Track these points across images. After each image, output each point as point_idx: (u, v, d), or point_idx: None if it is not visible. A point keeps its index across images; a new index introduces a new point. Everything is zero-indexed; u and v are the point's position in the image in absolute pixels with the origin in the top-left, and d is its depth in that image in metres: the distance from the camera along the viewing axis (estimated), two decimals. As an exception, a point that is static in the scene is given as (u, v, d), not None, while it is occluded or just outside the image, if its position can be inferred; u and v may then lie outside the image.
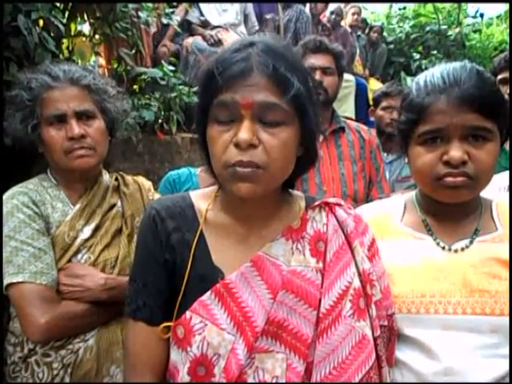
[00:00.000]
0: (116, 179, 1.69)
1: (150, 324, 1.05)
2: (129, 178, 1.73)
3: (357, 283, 1.06)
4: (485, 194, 1.27)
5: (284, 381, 0.99)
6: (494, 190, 1.59)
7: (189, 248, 1.05)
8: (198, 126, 1.04)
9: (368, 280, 1.08)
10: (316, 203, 1.12)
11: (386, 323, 1.11)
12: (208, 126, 0.99)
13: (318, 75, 2.44)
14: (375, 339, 1.06)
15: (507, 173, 1.70)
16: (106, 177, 1.67)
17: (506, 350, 1.09)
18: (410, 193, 1.36)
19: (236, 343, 0.98)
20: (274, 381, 0.99)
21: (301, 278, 1.04)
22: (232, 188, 0.97)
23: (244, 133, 0.93)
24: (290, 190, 1.16)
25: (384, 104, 3.15)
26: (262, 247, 1.05)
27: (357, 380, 1.01)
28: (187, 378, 0.99)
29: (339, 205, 1.14)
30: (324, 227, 1.09)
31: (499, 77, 2.47)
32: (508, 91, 2.35)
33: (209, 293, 1.01)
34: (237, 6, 4.99)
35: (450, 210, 1.22)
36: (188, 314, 1.00)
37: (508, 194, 1.63)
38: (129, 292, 1.09)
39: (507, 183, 1.66)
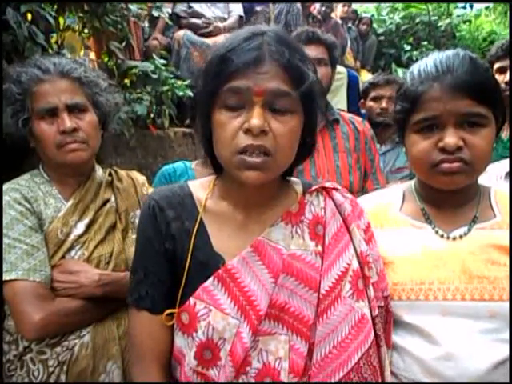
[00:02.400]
0: (109, 174, 1.67)
1: (153, 312, 1.07)
2: (122, 172, 1.71)
3: (355, 265, 1.10)
4: (483, 182, 1.28)
5: (287, 362, 1.02)
6: (491, 179, 1.59)
7: (189, 236, 1.07)
8: (203, 112, 1.03)
9: (365, 262, 1.11)
10: (313, 188, 1.15)
11: (382, 304, 1.14)
12: (215, 112, 1.00)
13: (311, 66, 2.42)
14: (373, 319, 1.09)
15: (504, 161, 1.70)
16: (99, 172, 1.65)
17: (506, 335, 1.10)
18: (408, 182, 1.37)
19: (240, 327, 1.01)
20: (277, 362, 1.02)
21: (301, 262, 1.06)
22: (240, 176, 0.99)
23: (256, 119, 0.94)
24: (287, 177, 1.18)
25: (373, 94, 3.15)
26: (261, 232, 1.08)
27: (356, 358, 1.04)
28: (194, 363, 1.02)
29: (336, 189, 1.17)
30: (322, 211, 1.12)
31: (496, 66, 2.47)
32: (505, 80, 2.35)
33: (211, 279, 1.03)
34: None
35: (449, 198, 1.22)
36: (192, 300, 1.03)
37: (505, 182, 1.63)
38: (131, 282, 1.12)
39: (504, 172, 1.66)
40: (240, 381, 1.01)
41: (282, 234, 1.08)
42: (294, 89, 0.97)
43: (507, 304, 1.10)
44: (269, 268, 1.05)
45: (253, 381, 1.02)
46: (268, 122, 0.96)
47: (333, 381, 1.03)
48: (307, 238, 1.09)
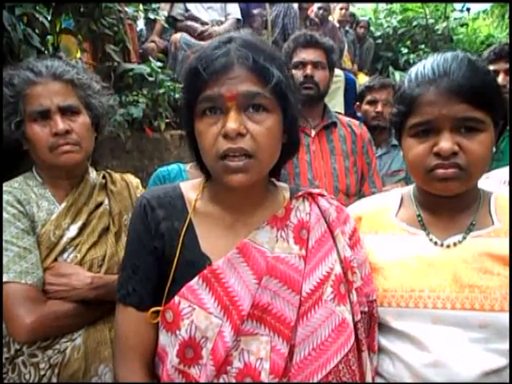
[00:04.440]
0: (103, 177, 1.66)
1: (139, 309, 1.09)
2: (116, 175, 1.71)
3: (338, 269, 1.11)
4: (485, 187, 1.26)
5: (268, 362, 1.03)
6: (494, 184, 1.58)
7: (178, 236, 1.09)
8: (186, 123, 1.09)
9: (349, 267, 1.13)
10: (300, 193, 1.17)
11: (366, 309, 1.14)
12: (195, 121, 1.04)
13: (308, 69, 2.44)
14: (356, 324, 1.10)
15: (507, 167, 1.68)
16: (93, 174, 1.64)
17: (497, 345, 1.08)
18: (408, 186, 1.35)
19: (223, 326, 1.03)
20: (258, 362, 1.03)
21: (284, 264, 1.08)
22: (225, 180, 1.02)
23: (231, 123, 0.98)
24: (275, 182, 1.21)
25: (368, 98, 3.17)
26: (248, 235, 1.10)
27: (335, 361, 1.05)
28: (176, 360, 1.03)
29: (322, 195, 1.19)
30: (307, 216, 1.14)
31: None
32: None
33: (196, 278, 1.05)
34: (221, 3, 4.95)
35: (446, 204, 1.20)
36: (176, 298, 1.04)
37: (507, 187, 1.62)
38: (120, 278, 1.14)
39: (507, 177, 1.65)
40: (221, 380, 1.02)
41: (267, 237, 1.10)
42: (264, 88, 1.00)
43: (499, 314, 1.08)
44: (253, 269, 1.06)
45: (233, 380, 1.02)
46: (244, 124, 0.99)
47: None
48: (291, 241, 1.11)
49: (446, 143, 1.09)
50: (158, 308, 1.07)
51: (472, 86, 1.10)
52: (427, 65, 1.16)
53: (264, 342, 1.04)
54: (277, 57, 1.07)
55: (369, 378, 1.11)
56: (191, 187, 1.18)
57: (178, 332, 1.03)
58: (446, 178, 1.11)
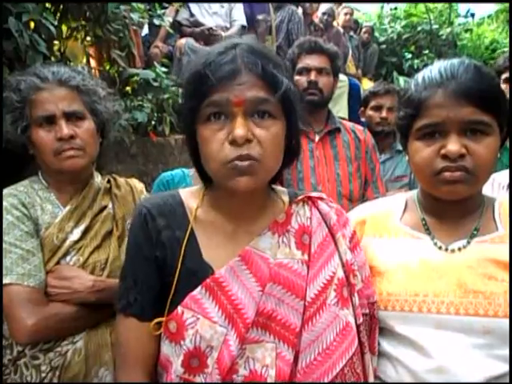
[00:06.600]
0: (108, 181, 1.68)
1: (141, 320, 1.07)
2: (121, 180, 1.72)
3: (340, 273, 1.11)
4: (484, 190, 1.26)
5: (274, 369, 1.02)
6: (494, 188, 1.58)
7: (179, 245, 1.08)
8: (187, 128, 1.07)
9: (351, 270, 1.13)
10: (299, 198, 1.16)
11: (367, 311, 1.14)
12: (199, 126, 1.03)
13: (313, 75, 2.45)
14: (358, 326, 1.10)
15: (507, 171, 1.68)
16: (98, 179, 1.66)
17: (501, 351, 1.08)
18: (412, 191, 1.36)
19: (228, 335, 1.02)
20: (264, 370, 1.02)
21: (287, 270, 1.08)
22: (231, 183, 1.00)
23: (239, 129, 0.97)
24: (274, 186, 1.20)
25: (373, 103, 3.16)
26: (250, 242, 1.09)
27: (341, 365, 1.05)
28: (181, 370, 1.02)
29: (321, 198, 1.18)
30: (308, 221, 1.14)
31: (503, 76, 2.48)
32: None
33: (199, 288, 1.04)
34: (226, 9, 4.98)
35: (450, 209, 1.20)
36: (180, 309, 1.03)
37: (507, 192, 1.61)
38: (120, 288, 1.12)
39: (507, 182, 1.64)
40: None
41: (269, 243, 1.09)
42: (272, 95, 1.00)
43: (502, 320, 1.08)
44: (256, 277, 1.06)
45: None
46: (251, 129, 0.98)
47: None
48: (293, 247, 1.10)
49: (453, 145, 1.09)
50: (161, 319, 1.05)
51: (480, 90, 1.10)
52: (434, 69, 1.17)
53: (269, 349, 1.03)
54: (282, 64, 1.06)
55: (371, 381, 1.11)
56: (191, 195, 1.17)
57: (182, 342, 1.02)
58: (453, 180, 1.11)
